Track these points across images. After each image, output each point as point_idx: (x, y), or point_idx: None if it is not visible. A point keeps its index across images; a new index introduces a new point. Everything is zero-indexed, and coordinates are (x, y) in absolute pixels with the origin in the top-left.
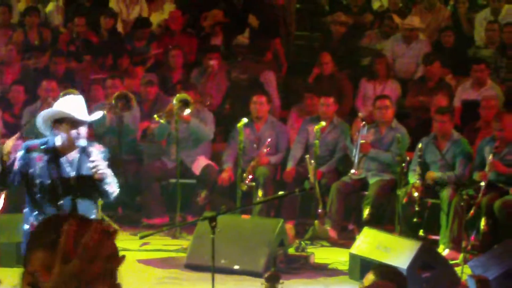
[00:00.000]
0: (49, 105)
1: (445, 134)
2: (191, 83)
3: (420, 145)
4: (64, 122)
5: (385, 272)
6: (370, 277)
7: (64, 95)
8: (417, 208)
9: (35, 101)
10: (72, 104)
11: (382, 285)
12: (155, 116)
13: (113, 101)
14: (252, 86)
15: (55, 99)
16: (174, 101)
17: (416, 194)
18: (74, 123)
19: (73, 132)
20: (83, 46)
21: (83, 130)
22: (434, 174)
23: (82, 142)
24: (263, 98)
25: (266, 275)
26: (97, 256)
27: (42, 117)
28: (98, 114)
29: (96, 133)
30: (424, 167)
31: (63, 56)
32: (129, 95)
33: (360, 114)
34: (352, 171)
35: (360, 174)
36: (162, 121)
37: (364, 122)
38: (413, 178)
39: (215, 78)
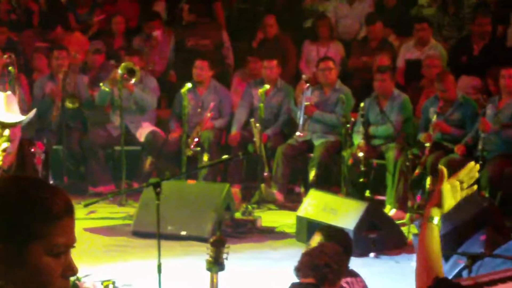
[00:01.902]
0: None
1: (386, 93)
2: (135, 49)
3: (362, 105)
4: None
5: (331, 233)
6: (316, 238)
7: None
8: (362, 168)
9: None
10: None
11: (327, 245)
12: (101, 84)
13: (120, 71)
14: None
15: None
16: (120, 70)
17: (361, 154)
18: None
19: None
20: (24, 15)
21: (9, 132)
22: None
23: (3, 146)
24: (204, 63)
25: (211, 240)
26: None
27: None
28: (29, 114)
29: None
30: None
31: (4, 25)
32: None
33: (303, 76)
34: (297, 133)
35: (305, 136)
36: (106, 89)
37: (308, 84)
38: (358, 139)
39: (158, 45)
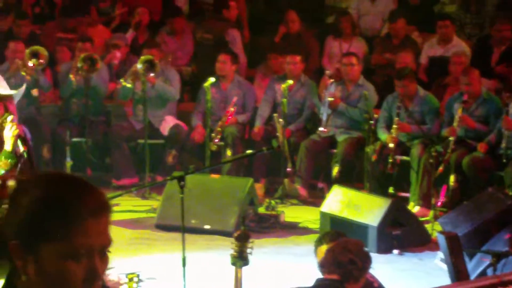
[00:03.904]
0: (16, 66)
1: (410, 95)
2: (154, 42)
3: (397, 95)
4: None
5: (331, 236)
6: (323, 248)
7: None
8: (390, 160)
9: (2, 62)
10: None
11: (350, 242)
12: (121, 80)
13: (79, 64)
14: (218, 45)
15: (23, 60)
16: (139, 63)
17: (391, 145)
18: None
19: None
20: (48, 8)
21: (12, 116)
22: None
23: (12, 130)
24: (227, 57)
25: (235, 235)
26: None
27: None
28: (19, 90)
29: (63, 96)
30: (390, 124)
31: (27, 18)
32: (95, 56)
33: (327, 72)
34: (321, 128)
35: (329, 131)
36: (129, 85)
37: (331, 80)
38: (384, 134)
39: (181, 38)
